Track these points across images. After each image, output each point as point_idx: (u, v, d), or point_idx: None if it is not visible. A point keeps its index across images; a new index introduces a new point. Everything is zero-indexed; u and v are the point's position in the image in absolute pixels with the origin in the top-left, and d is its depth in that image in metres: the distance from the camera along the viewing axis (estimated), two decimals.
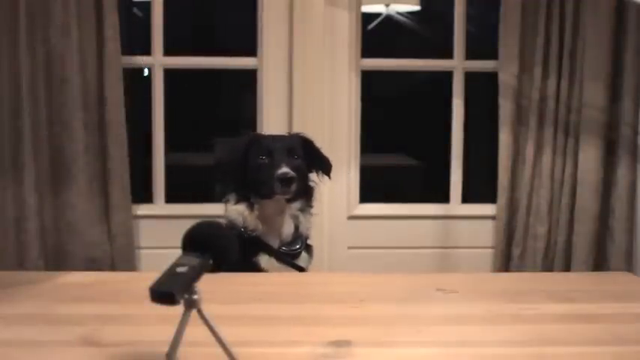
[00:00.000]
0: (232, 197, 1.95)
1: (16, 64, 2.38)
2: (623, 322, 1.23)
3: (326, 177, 2.01)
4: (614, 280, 1.67)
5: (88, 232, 2.48)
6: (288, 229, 1.93)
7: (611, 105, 2.51)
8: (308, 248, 2.00)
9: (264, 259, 1.88)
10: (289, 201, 1.92)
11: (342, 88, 2.62)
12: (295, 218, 1.94)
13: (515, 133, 2.57)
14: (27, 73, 2.39)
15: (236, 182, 1.96)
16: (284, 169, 1.85)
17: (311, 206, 1.98)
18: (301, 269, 1.92)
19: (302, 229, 1.94)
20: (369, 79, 2.70)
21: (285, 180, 1.85)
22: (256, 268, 1.85)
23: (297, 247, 1.93)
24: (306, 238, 1.99)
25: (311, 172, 1.99)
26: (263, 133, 2.01)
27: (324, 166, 2.00)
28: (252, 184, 1.91)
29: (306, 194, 1.96)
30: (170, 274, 0.85)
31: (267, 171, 1.87)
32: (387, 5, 2.62)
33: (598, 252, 2.56)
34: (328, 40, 2.58)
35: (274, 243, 1.92)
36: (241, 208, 1.92)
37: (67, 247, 2.48)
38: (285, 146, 1.93)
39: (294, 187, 1.86)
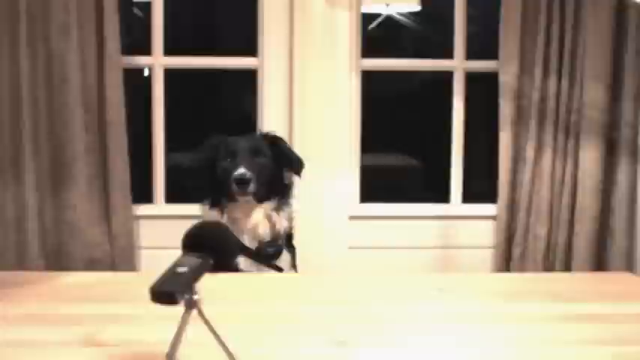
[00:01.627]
0: (207, 201, 1.96)
1: (16, 64, 2.38)
2: (624, 322, 1.23)
3: (296, 176, 1.99)
4: (615, 280, 1.67)
5: (89, 232, 2.48)
6: (263, 229, 1.92)
7: (611, 105, 2.51)
8: (291, 248, 1.99)
9: (241, 261, 1.87)
10: (260, 201, 1.91)
11: (342, 88, 2.62)
12: (270, 218, 1.93)
13: (516, 134, 2.57)
14: (27, 73, 2.39)
15: (205, 187, 1.96)
16: (240, 171, 1.84)
17: (288, 204, 1.97)
18: (279, 269, 1.91)
19: (279, 228, 1.93)
20: (369, 80, 2.70)
21: (242, 181, 1.83)
22: (235, 270, 1.83)
23: (270, 249, 1.92)
24: (289, 236, 1.98)
25: (281, 170, 1.98)
26: (230, 135, 1.99)
27: (293, 164, 1.99)
28: (220, 188, 1.91)
29: (279, 193, 1.95)
30: (170, 274, 0.85)
31: (228, 173, 1.87)
32: (388, 5, 2.62)
33: (598, 252, 2.56)
34: (328, 40, 2.58)
35: (253, 244, 1.91)
36: (214, 211, 1.94)
37: (67, 247, 2.47)
38: (249, 147, 1.93)
39: (251, 187, 1.85)
